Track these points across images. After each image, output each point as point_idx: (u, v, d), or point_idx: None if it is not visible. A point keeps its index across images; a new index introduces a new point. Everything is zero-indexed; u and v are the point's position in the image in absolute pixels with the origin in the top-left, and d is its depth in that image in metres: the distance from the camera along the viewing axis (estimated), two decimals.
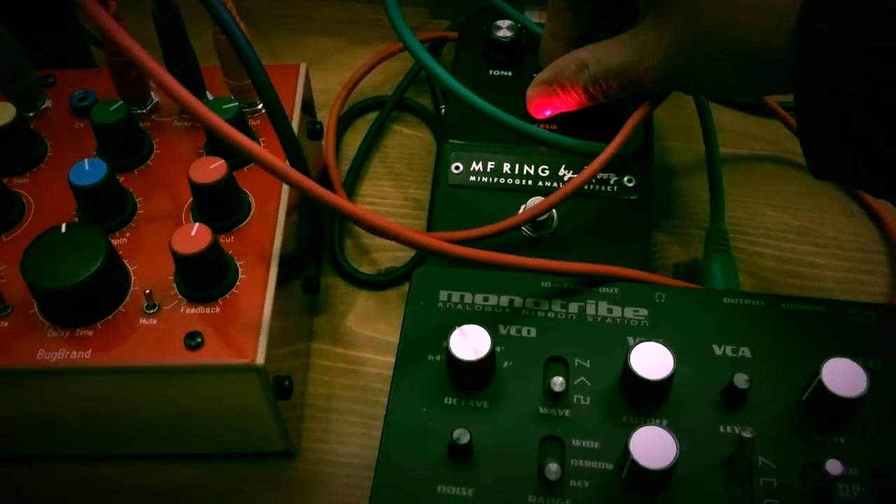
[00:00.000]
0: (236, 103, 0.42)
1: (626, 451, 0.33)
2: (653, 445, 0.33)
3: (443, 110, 0.57)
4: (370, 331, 0.49)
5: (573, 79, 0.43)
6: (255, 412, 0.39)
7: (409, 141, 0.58)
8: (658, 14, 0.40)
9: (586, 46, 0.44)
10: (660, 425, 0.34)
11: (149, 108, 0.46)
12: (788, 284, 0.50)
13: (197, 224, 0.37)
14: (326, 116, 0.56)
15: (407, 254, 0.51)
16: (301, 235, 0.46)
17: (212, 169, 0.39)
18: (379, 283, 0.51)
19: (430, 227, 0.47)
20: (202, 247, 0.36)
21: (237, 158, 0.42)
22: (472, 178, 0.47)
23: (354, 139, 0.58)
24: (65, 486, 0.43)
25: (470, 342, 0.36)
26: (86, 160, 0.40)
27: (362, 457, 0.44)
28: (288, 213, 0.42)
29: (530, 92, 0.46)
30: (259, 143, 0.44)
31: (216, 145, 0.42)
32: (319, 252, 0.49)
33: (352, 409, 0.46)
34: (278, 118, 0.37)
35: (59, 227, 0.37)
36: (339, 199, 0.36)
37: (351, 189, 0.55)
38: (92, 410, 0.40)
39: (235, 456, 0.43)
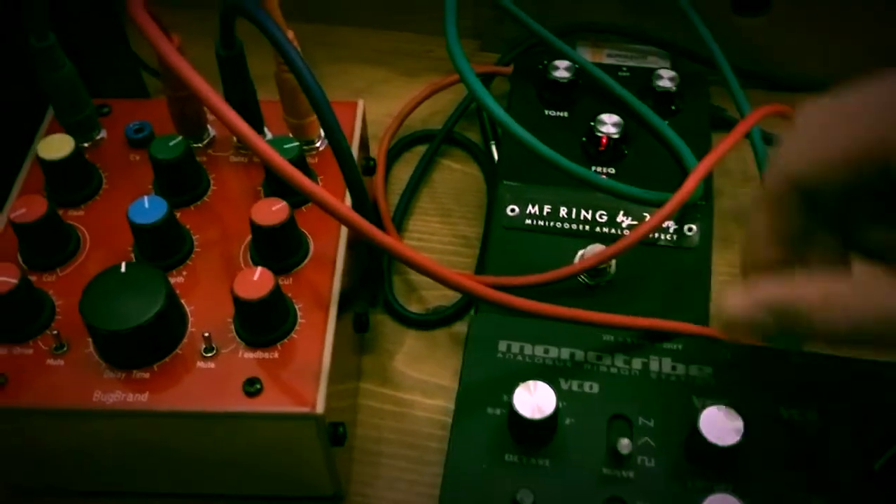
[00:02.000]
0: (297, 143, 0.41)
1: None
2: None
3: (493, 146, 0.56)
4: (419, 372, 0.48)
5: (810, 315, 0.29)
6: (308, 458, 0.39)
7: (457, 176, 0.58)
8: None
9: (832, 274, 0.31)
10: (729, 492, 0.33)
11: (206, 142, 0.45)
12: None
13: (260, 269, 0.36)
14: (375, 148, 0.55)
15: (456, 293, 0.51)
16: (354, 272, 0.45)
17: (274, 211, 0.38)
18: (428, 322, 0.50)
19: (483, 270, 0.47)
20: (265, 292, 0.36)
21: (296, 197, 0.42)
22: (528, 221, 0.47)
23: (402, 171, 0.58)
24: None
25: (535, 399, 0.35)
26: (145, 197, 0.39)
27: (410, 503, 0.43)
28: (345, 252, 0.42)
29: (733, 303, 0.31)
30: (318, 183, 0.43)
31: (275, 185, 0.42)
32: (375, 292, 0.49)
33: (400, 453, 0.45)
34: (347, 163, 0.37)
35: (119, 266, 0.37)
36: (400, 246, 0.36)
37: (399, 224, 0.54)
38: (144, 450, 0.39)
39: (284, 499, 0.43)
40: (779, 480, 0.35)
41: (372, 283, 0.46)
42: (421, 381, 0.48)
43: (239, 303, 0.36)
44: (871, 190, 0.30)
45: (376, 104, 0.60)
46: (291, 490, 0.42)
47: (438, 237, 0.54)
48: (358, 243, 0.45)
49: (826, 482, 0.35)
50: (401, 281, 0.52)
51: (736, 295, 0.32)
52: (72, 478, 0.42)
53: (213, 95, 0.35)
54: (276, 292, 0.36)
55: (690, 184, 0.42)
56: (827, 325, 0.29)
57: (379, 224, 0.50)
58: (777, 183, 0.32)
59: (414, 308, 0.51)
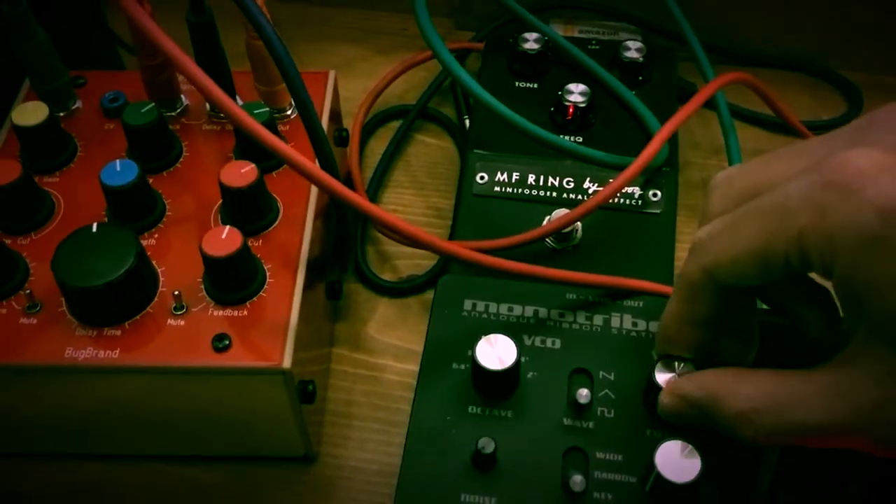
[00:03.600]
0: (267, 108, 0.42)
1: (651, 465, 0.33)
2: (678, 459, 0.33)
3: (466, 120, 0.57)
4: (391, 338, 0.49)
5: (731, 424, 0.31)
6: (278, 416, 0.39)
7: (431, 150, 0.59)
8: None
9: (755, 374, 0.31)
10: (684, 440, 0.34)
11: (178, 110, 0.46)
12: None
13: (228, 227, 0.37)
14: (351, 123, 0.56)
15: (429, 262, 0.52)
16: (326, 240, 0.46)
17: (243, 173, 0.39)
18: (400, 290, 0.51)
19: (453, 236, 0.47)
20: (232, 250, 0.37)
21: (266, 163, 0.42)
22: (497, 189, 0.48)
23: (377, 147, 0.58)
24: (84, 484, 0.43)
25: (496, 351, 0.36)
26: (117, 161, 0.40)
27: (382, 463, 0.44)
28: (315, 218, 0.43)
29: (665, 401, 0.34)
30: None
31: (246, 149, 0.43)
32: (345, 258, 0.49)
33: (372, 415, 0.46)
34: (310, 121, 0.38)
35: (90, 226, 0.38)
36: (367, 203, 0.36)
37: (374, 196, 0.55)
38: (115, 410, 0.40)
39: (256, 459, 0.44)
40: None
41: (342, 248, 0.47)
42: (393, 346, 0.49)
43: (207, 260, 0.37)
44: (786, 278, 0.30)
45: (354, 81, 0.61)
46: (264, 450, 0.43)
47: (412, 209, 0.55)
48: (328, 210, 0.46)
49: None
50: (374, 251, 0.53)
51: (666, 393, 0.34)
52: (43, 441, 0.43)
53: (183, 57, 0.36)
54: (244, 250, 0.37)
55: (653, 146, 0.43)
56: (743, 434, 0.30)
57: None
58: (693, 272, 0.33)
59: (387, 277, 0.51)
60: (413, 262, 0.52)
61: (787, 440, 0.30)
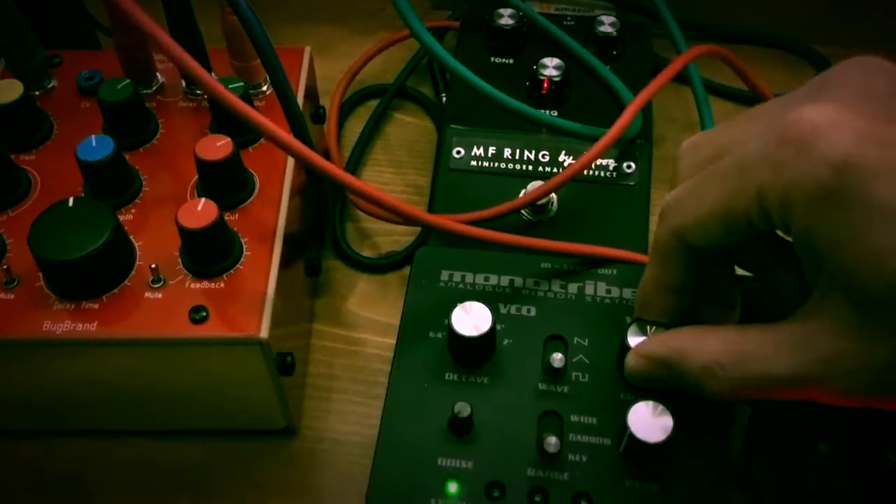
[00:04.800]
0: (242, 83, 0.42)
1: (624, 426, 0.34)
2: (650, 420, 0.34)
3: (444, 98, 0.58)
4: (371, 313, 0.49)
5: (697, 380, 0.32)
6: (257, 388, 0.40)
7: (410, 128, 0.59)
8: (870, 314, 0.26)
9: (719, 329, 0.32)
10: (656, 400, 0.34)
11: (154, 88, 0.46)
12: None
13: (203, 199, 0.37)
14: (328, 103, 0.56)
15: (408, 238, 0.52)
16: (304, 217, 0.46)
17: (218, 146, 0.39)
18: (380, 266, 0.51)
19: (430, 210, 0.48)
20: (208, 221, 0.37)
21: (242, 138, 0.43)
22: (474, 163, 0.48)
23: (356, 126, 0.59)
24: (67, 461, 0.43)
25: (471, 318, 0.37)
26: (93, 136, 0.40)
27: (362, 435, 0.44)
28: (292, 194, 0.43)
29: (632, 363, 0.35)
30: None
31: (221, 124, 0.43)
32: (322, 232, 0.50)
33: (352, 388, 0.46)
34: (284, 93, 0.38)
35: (67, 200, 0.38)
36: (341, 172, 0.37)
37: (352, 173, 0.55)
38: (95, 385, 0.40)
39: (237, 433, 0.44)
40: None
41: (320, 223, 0.47)
42: (373, 320, 0.49)
43: (183, 232, 0.37)
44: (756, 238, 0.31)
45: (333, 62, 0.61)
46: (244, 423, 0.43)
47: (391, 186, 0.56)
48: (305, 186, 0.46)
49: None
50: (353, 229, 0.53)
51: (632, 354, 0.35)
52: (24, 418, 0.43)
53: (158, 30, 0.36)
54: (220, 222, 0.37)
55: (626, 117, 0.44)
56: (709, 388, 0.31)
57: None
58: (663, 236, 0.33)
59: (366, 254, 0.52)
60: (392, 239, 0.52)
61: (751, 393, 0.30)
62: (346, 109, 0.59)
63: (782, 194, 0.27)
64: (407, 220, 0.40)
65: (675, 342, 0.33)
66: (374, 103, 0.60)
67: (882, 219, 0.25)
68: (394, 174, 0.56)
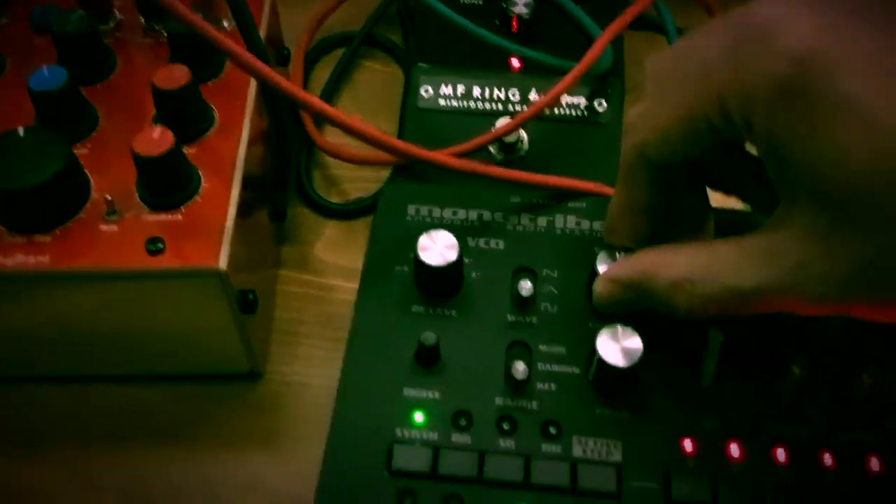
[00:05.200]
0: (83, 12, 0.41)
1: (593, 351, 0.33)
2: (619, 345, 0.33)
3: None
4: (338, 259, 0.48)
5: (664, 298, 0.31)
6: (218, 326, 0.39)
7: (378, 76, 0.58)
8: (835, 216, 0.26)
9: (686, 246, 0.32)
10: (625, 325, 0.33)
11: (112, 25, 0.45)
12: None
13: (159, 127, 0.36)
14: (294, 50, 0.55)
15: (376, 185, 0.51)
16: (268, 162, 0.45)
17: (176, 76, 0.38)
18: (347, 212, 0.50)
19: None
20: (164, 149, 0.36)
21: (202, 72, 0.41)
22: (442, 102, 0.47)
23: (323, 76, 0.57)
24: (18, 407, 0.42)
25: (438, 247, 0.36)
26: (45, 67, 0.39)
27: (330, 379, 0.43)
28: (253, 132, 0.41)
29: (599, 289, 0.35)
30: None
31: (181, 58, 0.41)
32: (286, 175, 0.49)
33: (320, 333, 0.45)
34: (245, 22, 0.37)
35: (17, 130, 0.36)
36: (301, 92, 0.36)
37: (319, 121, 0.54)
38: (49, 326, 0.39)
39: (200, 377, 0.43)
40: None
41: (284, 165, 0.46)
42: (340, 266, 0.48)
43: (139, 160, 0.36)
44: (717, 148, 0.30)
45: (299, 10, 0.60)
46: (207, 366, 0.42)
47: None
48: (269, 130, 0.45)
49: None
50: (321, 175, 0.52)
51: (599, 280, 0.35)
52: None
53: None
54: (176, 150, 0.36)
55: (596, 49, 0.43)
56: (678, 305, 0.30)
57: (298, 122, 0.50)
58: (627, 154, 0.32)
59: (334, 200, 0.51)
60: (360, 186, 0.51)
61: (721, 308, 0.29)
62: (313, 59, 0.58)
63: (742, 93, 0.27)
64: (382, 147, 0.39)
65: (642, 263, 0.32)
66: (342, 52, 0.59)
67: (844, 113, 0.25)
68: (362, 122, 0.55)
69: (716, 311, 0.30)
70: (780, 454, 0.32)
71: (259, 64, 0.35)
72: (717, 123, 0.28)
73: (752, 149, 0.30)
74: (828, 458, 0.32)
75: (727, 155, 0.34)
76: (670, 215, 0.34)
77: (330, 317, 0.46)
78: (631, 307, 0.34)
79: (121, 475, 0.40)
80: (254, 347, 0.41)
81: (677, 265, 0.31)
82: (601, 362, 0.33)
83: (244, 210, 0.39)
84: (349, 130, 0.38)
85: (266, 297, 0.45)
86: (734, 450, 0.33)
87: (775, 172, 0.28)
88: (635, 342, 0.33)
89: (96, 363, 0.42)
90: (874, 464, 0.32)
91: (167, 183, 0.37)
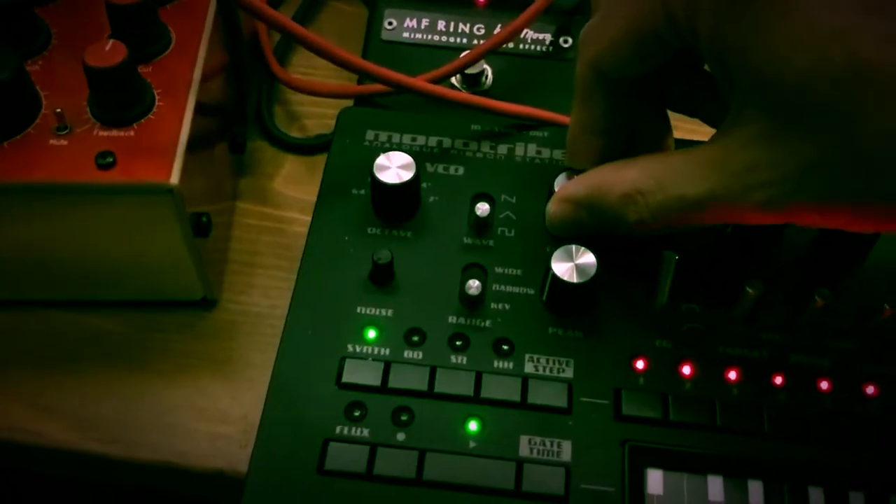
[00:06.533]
0: None
1: (547, 268, 0.33)
2: (573, 263, 0.33)
3: None
4: (297, 192, 0.48)
5: (617, 211, 0.31)
6: (171, 248, 0.38)
7: (344, 16, 0.57)
8: (780, 119, 0.26)
9: (637, 159, 0.31)
10: (581, 245, 0.33)
11: None
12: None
13: (112, 40, 0.35)
14: None
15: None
16: (227, 93, 0.44)
17: None
18: (307, 147, 0.49)
19: (360, 82, 0.46)
20: (116, 61, 0.35)
21: None
22: (406, 35, 0.47)
23: (288, 15, 0.56)
24: None
25: (394, 167, 0.35)
26: None
27: (285, 308, 0.42)
28: (210, 55, 0.41)
29: (552, 208, 0.35)
30: None
31: None
32: (244, 107, 0.48)
33: (276, 264, 0.45)
34: None
35: None
36: (267, 8, 0.35)
37: (283, 57, 0.53)
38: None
39: (154, 305, 0.42)
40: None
41: (242, 95, 0.45)
42: (299, 199, 0.47)
43: (90, 72, 0.35)
44: (673, 66, 0.30)
45: None
46: (160, 293, 0.42)
47: (323, 71, 0.53)
48: (229, 64, 0.44)
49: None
50: (282, 111, 0.51)
51: (553, 200, 0.34)
52: None
53: None
54: (128, 62, 0.35)
55: None
56: (629, 217, 0.30)
57: (261, 57, 0.50)
58: (582, 70, 0.32)
59: (295, 135, 0.50)
60: (322, 122, 0.51)
61: (672, 219, 0.29)
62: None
63: (686, 1, 0.27)
64: (348, 67, 0.38)
65: (594, 178, 0.32)
66: None
67: (787, 15, 0.24)
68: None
69: (666, 223, 0.30)
70: (732, 375, 0.33)
71: None
72: (664, 33, 0.28)
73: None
74: (779, 380, 0.32)
75: (684, 74, 0.34)
76: (630, 137, 0.34)
77: (287, 248, 0.46)
78: (584, 229, 0.33)
79: (73, 399, 0.40)
80: (208, 275, 0.40)
81: (628, 178, 0.30)
82: (555, 279, 0.32)
83: (200, 137, 0.38)
84: (317, 49, 0.37)
85: (223, 228, 0.44)
86: (685, 370, 0.33)
87: (723, 81, 0.28)
88: (589, 259, 0.32)
89: (49, 288, 0.41)
90: (824, 385, 0.32)
91: (119, 98, 0.36)
